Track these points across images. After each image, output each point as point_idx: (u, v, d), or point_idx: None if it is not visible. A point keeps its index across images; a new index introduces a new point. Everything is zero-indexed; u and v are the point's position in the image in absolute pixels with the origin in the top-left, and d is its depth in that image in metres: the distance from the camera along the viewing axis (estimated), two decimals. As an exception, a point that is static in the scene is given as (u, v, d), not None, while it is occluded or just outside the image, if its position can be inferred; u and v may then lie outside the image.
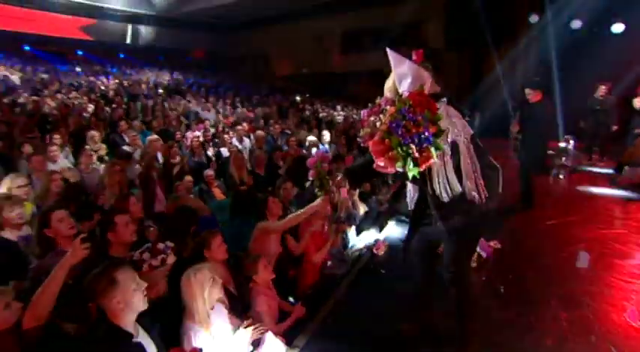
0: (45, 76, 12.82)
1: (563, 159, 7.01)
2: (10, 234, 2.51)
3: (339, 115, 13.38)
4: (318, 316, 2.35)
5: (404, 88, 1.69)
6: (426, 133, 1.54)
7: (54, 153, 4.57)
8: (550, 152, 5.32)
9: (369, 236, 3.60)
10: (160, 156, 5.38)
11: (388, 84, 1.84)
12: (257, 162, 5.26)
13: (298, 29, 20.72)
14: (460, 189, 1.70)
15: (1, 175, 3.69)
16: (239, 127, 7.37)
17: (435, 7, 17.15)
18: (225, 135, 6.99)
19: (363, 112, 1.80)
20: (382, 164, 1.54)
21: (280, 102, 14.72)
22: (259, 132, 6.67)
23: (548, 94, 4.09)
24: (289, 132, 8.11)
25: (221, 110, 10.78)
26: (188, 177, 4.56)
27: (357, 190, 3.95)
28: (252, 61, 22.69)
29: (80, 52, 17.88)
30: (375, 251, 3.18)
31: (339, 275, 2.88)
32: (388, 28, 18.64)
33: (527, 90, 4.10)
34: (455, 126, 1.74)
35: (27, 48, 15.80)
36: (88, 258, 1.82)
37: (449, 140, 1.70)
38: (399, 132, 1.51)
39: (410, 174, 1.53)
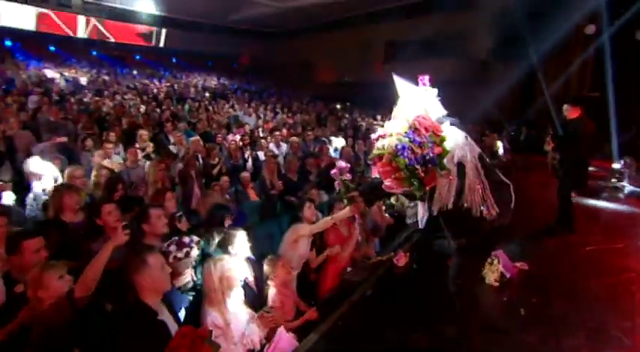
0: (107, 78, 14.01)
1: (617, 180, 6.53)
2: (67, 218, 2.86)
3: (377, 125, 13.36)
4: (331, 318, 2.43)
5: (409, 112, 1.76)
6: (431, 154, 1.61)
7: (109, 150, 5.05)
8: (593, 170, 4.98)
9: (392, 247, 3.63)
10: (200, 156, 5.73)
11: (396, 109, 1.91)
12: (289, 167, 5.45)
13: (343, 38, 21.00)
14: (450, 205, 1.73)
15: (65, 166, 4.16)
16: (277, 133, 7.65)
17: (483, 18, 16.68)
18: (263, 140, 7.27)
19: (373, 137, 1.88)
20: (389, 184, 1.63)
21: (320, 109, 14.99)
22: (294, 139, 6.89)
23: (590, 111, 3.87)
24: (325, 139, 8.27)
25: (262, 115, 11.19)
26: (225, 178, 4.86)
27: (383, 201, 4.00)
28: (296, 68, 23.23)
29: (138, 57, 19.34)
30: (395, 261, 3.21)
31: (358, 282, 2.95)
32: (433, 38, 18.49)
33: (565, 107, 3.96)
34: (461, 147, 1.78)
35: (94, 53, 17.35)
36: (126, 243, 2.09)
37: (455, 161, 1.74)
38: (405, 154, 1.59)
39: (417, 194, 1.60)
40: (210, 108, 11.60)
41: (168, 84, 15.28)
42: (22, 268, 2.02)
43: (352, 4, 18.22)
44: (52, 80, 11.94)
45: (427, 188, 1.63)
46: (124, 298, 1.92)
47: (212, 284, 2.04)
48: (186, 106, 10.72)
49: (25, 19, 14.56)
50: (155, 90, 13.32)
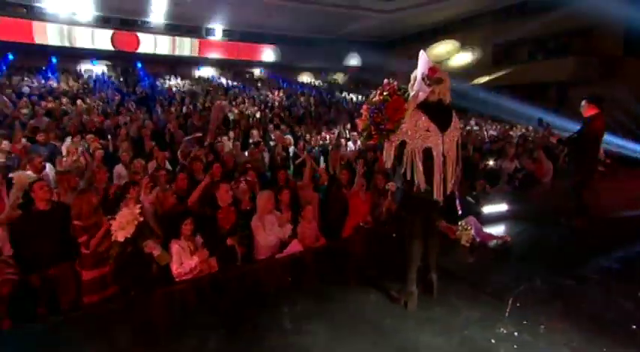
0: (237, 90, 17.52)
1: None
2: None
3: (467, 129, 13.43)
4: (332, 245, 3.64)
5: (412, 88, 2.46)
6: (382, 126, 2.61)
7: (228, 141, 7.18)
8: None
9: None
10: (292, 149, 7.46)
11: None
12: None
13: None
14: (389, 164, 2.66)
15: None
16: (354, 134, 8.98)
17: (610, 11, 14.83)
18: (342, 139, 8.70)
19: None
20: (358, 121, 2.63)
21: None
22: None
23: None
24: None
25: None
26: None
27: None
28: (400, 75, 23.95)
29: (262, 71, 23.08)
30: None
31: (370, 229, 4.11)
32: (546, 36, 17.11)
33: (582, 103, 4.08)
34: (416, 134, 2.40)
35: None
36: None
37: (399, 139, 2.60)
38: (370, 114, 2.50)
39: (362, 140, 2.61)
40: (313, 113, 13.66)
41: (282, 94, 18.08)
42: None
43: (453, 9, 18.21)
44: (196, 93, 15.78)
45: (371, 142, 2.63)
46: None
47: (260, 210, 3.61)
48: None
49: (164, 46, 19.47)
50: (271, 100, 16.09)
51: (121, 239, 2.50)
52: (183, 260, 3.04)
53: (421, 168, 2.41)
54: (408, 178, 2.46)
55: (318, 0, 17.19)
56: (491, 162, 6.89)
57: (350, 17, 19.60)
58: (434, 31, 21.60)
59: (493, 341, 2.23)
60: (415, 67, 2.56)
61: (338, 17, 19.35)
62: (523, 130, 13.10)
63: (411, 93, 2.50)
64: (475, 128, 14.24)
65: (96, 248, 2.94)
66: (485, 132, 12.91)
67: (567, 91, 16.44)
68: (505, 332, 2.31)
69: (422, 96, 2.46)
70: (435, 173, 2.43)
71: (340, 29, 21.60)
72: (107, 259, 3.00)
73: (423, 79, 2.46)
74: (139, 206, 2.51)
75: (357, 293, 2.78)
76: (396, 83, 2.53)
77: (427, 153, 2.42)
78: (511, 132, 12.59)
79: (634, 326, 2.38)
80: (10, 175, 4.05)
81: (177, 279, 3.04)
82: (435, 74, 2.45)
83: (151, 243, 2.75)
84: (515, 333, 2.29)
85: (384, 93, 2.46)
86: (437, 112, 2.46)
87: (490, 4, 17.88)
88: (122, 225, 2.48)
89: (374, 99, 2.49)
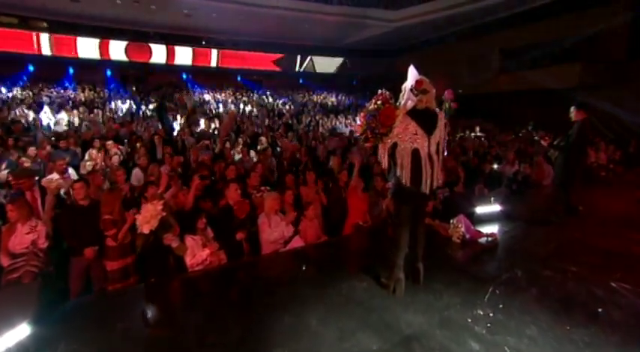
0: (246, 98, 18.01)
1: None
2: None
3: (472, 135, 13.69)
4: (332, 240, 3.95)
5: (403, 97, 2.86)
6: (377, 130, 2.96)
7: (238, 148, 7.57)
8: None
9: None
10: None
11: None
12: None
13: (453, 51, 21.19)
14: (385, 164, 2.98)
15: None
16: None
17: (616, 15, 14.97)
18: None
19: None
20: (356, 126, 3.00)
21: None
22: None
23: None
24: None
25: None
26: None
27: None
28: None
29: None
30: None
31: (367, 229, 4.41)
32: (553, 43, 17.26)
33: (571, 109, 4.35)
34: (405, 137, 2.76)
35: (239, 78, 22.09)
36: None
37: (391, 141, 2.95)
38: (367, 119, 2.86)
39: (361, 142, 2.97)
40: (320, 121, 14.05)
41: (291, 102, 18.55)
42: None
43: (460, 18, 18.49)
44: (208, 102, 16.28)
45: (367, 145, 3.00)
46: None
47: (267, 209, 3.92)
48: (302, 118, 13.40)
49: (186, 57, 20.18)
50: (280, 107, 16.57)
51: (146, 231, 2.84)
52: (196, 251, 3.39)
53: (409, 166, 2.79)
54: (398, 174, 2.83)
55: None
56: (494, 166, 7.14)
57: (358, 26, 20.04)
58: (439, 39, 21.88)
59: (469, 320, 2.51)
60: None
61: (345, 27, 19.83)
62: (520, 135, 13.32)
63: (402, 102, 2.89)
64: (479, 134, 14.51)
65: (123, 239, 3.32)
66: (489, 139, 13.16)
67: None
68: (482, 313, 2.59)
69: (410, 104, 2.85)
70: (422, 170, 2.79)
71: (348, 39, 22.02)
72: (130, 251, 3.36)
73: (411, 90, 2.84)
74: (161, 202, 2.85)
75: (351, 280, 3.08)
76: (387, 93, 2.90)
77: (415, 154, 2.78)
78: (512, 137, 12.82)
79: (600, 309, 2.64)
80: (42, 182, 4.46)
81: (190, 269, 3.38)
82: (421, 86, 2.82)
83: (170, 236, 3.09)
84: (491, 314, 2.57)
85: (378, 102, 2.84)
86: (424, 118, 2.82)
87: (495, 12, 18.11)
88: (147, 219, 2.82)
89: (370, 107, 2.87)
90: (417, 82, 2.84)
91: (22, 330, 2.24)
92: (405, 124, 2.78)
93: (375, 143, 2.91)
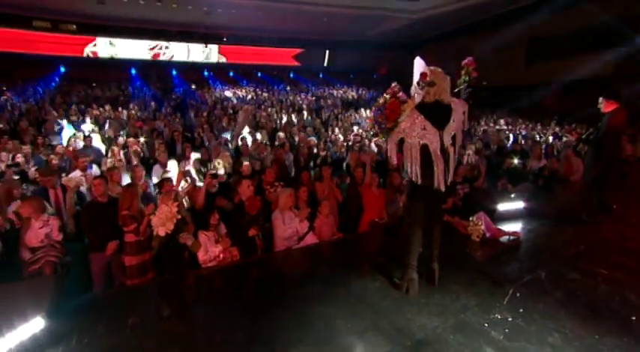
0: (265, 94, 18.07)
1: None
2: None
3: (496, 129, 13.19)
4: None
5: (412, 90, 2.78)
6: (383, 125, 2.87)
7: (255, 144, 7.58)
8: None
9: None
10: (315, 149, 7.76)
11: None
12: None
13: (477, 42, 20.47)
14: (394, 160, 2.88)
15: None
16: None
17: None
18: (366, 140, 8.88)
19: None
20: (369, 119, 2.93)
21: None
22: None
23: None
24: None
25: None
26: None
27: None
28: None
29: (292, 75, 23.53)
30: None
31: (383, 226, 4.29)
32: (585, 30, 16.35)
33: (600, 99, 4.07)
34: (413, 132, 2.64)
35: (259, 74, 22.19)
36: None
37: (399, 136, 2.81)
38: (374, 115, 2.81)
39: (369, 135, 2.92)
40: (340, 116, 13.90)
41: (313, 97, 18.44)
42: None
43: (483, 7, 17.80)
44: (228, 98, 16.43)
45: (376, 140, 2.93)
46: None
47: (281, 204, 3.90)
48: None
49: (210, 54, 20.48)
50: (300, 103, 16.48)
51: (162, 234, 2.85)
52: (209, 248, 3.39)
53: (419, 162, 2.66)
54: (408, 171, 2.72)
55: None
56: (515, 161, 6.84)
57: (378, 18, 19.66)
58: (461, 31, 21.18)
59: (486, 324, 2.38)
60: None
61: (365, 19, 19.49)
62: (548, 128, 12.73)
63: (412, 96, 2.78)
64: (504, 127, 13.96)
65: (142, 234, 3.42)
66: (515, 132, 12.67)
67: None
68: (500, 317, 2.45)
69: (418, 98, 2.73)
70: (434, 166, 2.64)
71: (369, 31, 21.65)
72: (148, 247, 3.41)
73: (417, 83, 2.73)
74: (176, 204, 2.85)
75: (363, 279, 3.00)
76: (398, 86, 2.77)
77: (425, 149, 2.64)
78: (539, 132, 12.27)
79: (633, 317, 2.44)
80: (63, 180, 4.59)
81: (203, 265, 3.39)
82: (425, 78, 2.69)
83: (185, 235, 3.10)
84: (509, 319, 2.43)
85: (386, 96, 2.74)
86: (434, 112, 2.66)
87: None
88: (162, 222, 2.82)
89: (379, 101, 2.78)
90: (422, 74, 2.71)
91: (37, 323, 2.29)
92: (412, 119, 2.66)
93: (382, 137, 2.87)
